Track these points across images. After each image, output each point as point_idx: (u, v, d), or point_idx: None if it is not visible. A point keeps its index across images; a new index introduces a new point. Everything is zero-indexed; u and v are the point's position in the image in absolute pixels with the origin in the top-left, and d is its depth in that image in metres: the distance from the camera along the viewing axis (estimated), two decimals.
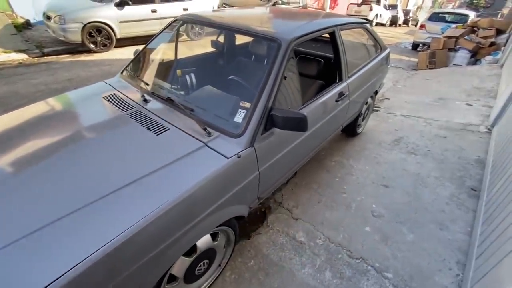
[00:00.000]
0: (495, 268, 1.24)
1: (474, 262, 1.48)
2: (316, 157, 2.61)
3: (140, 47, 2.07)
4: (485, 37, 6.58)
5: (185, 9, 6.57)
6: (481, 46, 6.47)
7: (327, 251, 1.72)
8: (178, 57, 2.13)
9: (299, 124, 1.31)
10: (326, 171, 2.49)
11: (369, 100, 2.93)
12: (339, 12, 14.54)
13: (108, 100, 1.64)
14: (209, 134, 1.33)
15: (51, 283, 0.76)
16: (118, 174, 1.12)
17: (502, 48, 6.01)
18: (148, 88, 1.73)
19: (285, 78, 1.51)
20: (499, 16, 14.47)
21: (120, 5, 5.56)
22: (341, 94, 2.06)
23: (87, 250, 0.84)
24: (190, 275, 1.31)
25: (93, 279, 0.84)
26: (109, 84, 1.87)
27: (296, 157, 1.80)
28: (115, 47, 5.87)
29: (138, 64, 2.01)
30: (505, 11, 13.97)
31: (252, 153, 1.33)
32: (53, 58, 5.21)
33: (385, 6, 16.44)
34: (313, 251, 1.72)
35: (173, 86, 1.83)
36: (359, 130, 3.06)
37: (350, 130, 2.90)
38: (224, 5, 8.71)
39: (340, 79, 2.10)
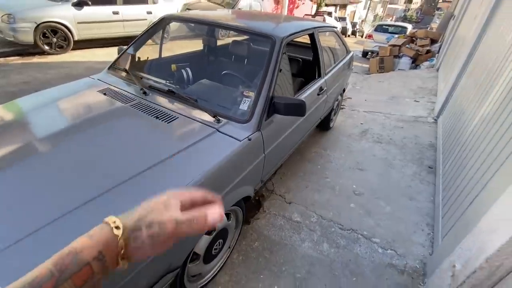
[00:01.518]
0: (459, 221, 1.54)
1: (441, 220, 1.80)
2: (297, 150, 2.82)
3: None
4: (422, 46, 7.67)
5: (149, 12, 6.43)
6: (419, 53, 7.52)
7: (321, 226, 1.90)
8: (169, 54, 2.16)
9: (299, 109, 1.48)
10: (308, 161, 2.71)
11: (339, 97, 3.26)
12: None
13: (105, 94, 1.63)
14: (218, 121, 1.43)
15: None
16: (142, 158, 1.15)
17: (436, 55, 7.07)
18: (144, 82, 1.75)
19: (280, 71, 1.68)
20: (428, 29, 16.88)
21: (78, 5, 5.24)
22: (321, 89, 2.30)
23: None
24: (208, 254, 1.37)
25: None
26: (98, 79, 1.83)
27: (291, 142, 1.97)
28: (73, 49, 5.49)
29: (127, 60, 2.00)
30: (433, 25, 16.29)
31: (260, 137, 1.46)
32: (0, 60, 4.68)
33: (336, 18, 17.94)
34: (309, 228, 1.89)
35: (170, 80, 1.87)
36: (331, 124, 3.37)
37: (324, 124, 3.18)
38: (187, 10, 8.69)
39: (319, 75, 2.35)
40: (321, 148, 2.95)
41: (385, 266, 1.65)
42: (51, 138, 1.25)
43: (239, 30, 1.82)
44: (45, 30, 4.93)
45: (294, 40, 2.17)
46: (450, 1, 12.38)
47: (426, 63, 7.26)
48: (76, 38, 5.40)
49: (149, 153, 1.19)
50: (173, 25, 2.32)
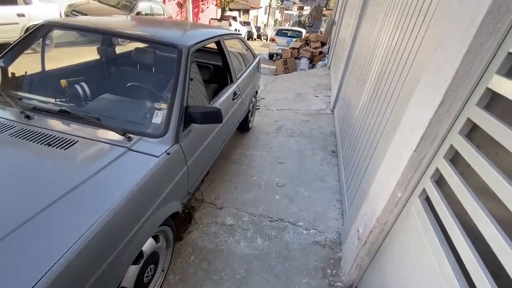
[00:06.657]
0: (357, 192, 1.90)
1: (346, 195, 2.17)
2: (222, 154, 2.87)
3: None
4: (315, 48, 8.89)
5: (20, 15, 5.25)
6: (314, 54, 8.69)
7: (253, 223, 2.00)
8: (55, 66, 1.84)
9: (215, 116, 1.52)
10: (233, 163, 2.79)
11: (253, 99, 3.47)
12: None
13: None
14: (129, 138, 1.32)
15: None
16: (34, 197, 0.96)
17: (327, 55, 8.32)
18: (25, 103, 1.45)
19: (191, 79, 1.67)
20: (319, 33, 19.74)
21: None
22: (235, 93, 2.40)
23: (34, 273, 0.74)
24: (139, 285, 1.25)
25: None
26: None
27: (214, 149, 1.99)
28: None
29: None
30: (322, 29, 19.08)
31: (179, 149, 1.42)
32: None
33: (241, 22, 18.84)
34: (242, 228, 1.96)
35: (61, 98, 1.60)
36: (250, 125, 3.55)
37: (244, 126, 3.33)
38: (73, 13, 7.50)
39: (231, 81, 2.44)
40: (244, 149, 3.08)
41: (311, 244, 1.87)
42: None
43: (141, 40, 1.71)
44: None
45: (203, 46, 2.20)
46: (332, 9, 14.78)
47: (320, 63, 8.46)
48: None
49: (43, 190, 1.00)
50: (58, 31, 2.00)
